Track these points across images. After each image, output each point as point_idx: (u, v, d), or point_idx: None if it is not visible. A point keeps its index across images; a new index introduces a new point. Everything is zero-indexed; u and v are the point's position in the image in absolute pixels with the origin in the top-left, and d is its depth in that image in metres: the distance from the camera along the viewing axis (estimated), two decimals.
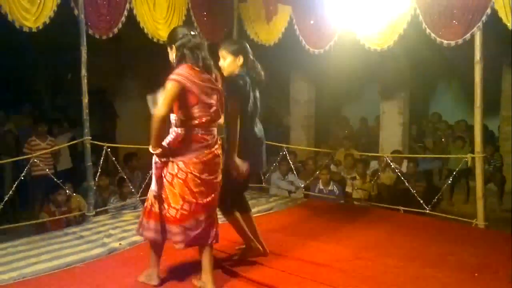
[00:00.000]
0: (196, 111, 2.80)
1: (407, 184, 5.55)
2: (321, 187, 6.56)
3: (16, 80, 8.90)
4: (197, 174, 2.82)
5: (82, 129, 4.85)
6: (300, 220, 4.77)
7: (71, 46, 4.89)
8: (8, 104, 7.99)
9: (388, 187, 6.99)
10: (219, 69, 3.21)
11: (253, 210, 5.04)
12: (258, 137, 3.41)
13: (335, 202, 6.15)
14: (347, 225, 4.58)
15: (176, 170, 2.82)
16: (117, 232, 4.24)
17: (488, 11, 4.35)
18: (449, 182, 5.77)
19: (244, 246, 3.57)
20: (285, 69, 9.22)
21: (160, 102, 2.73)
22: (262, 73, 3.43)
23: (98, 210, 5.06)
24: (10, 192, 4.63)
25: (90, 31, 4.73)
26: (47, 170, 5.72)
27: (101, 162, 5.07)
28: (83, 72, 4.71)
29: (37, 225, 5.26)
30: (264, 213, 5.07)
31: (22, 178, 4.73)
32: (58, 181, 5.27)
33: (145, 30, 5.16)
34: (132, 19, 5.02)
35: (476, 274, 3.32)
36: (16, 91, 8.63)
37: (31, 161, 5.12)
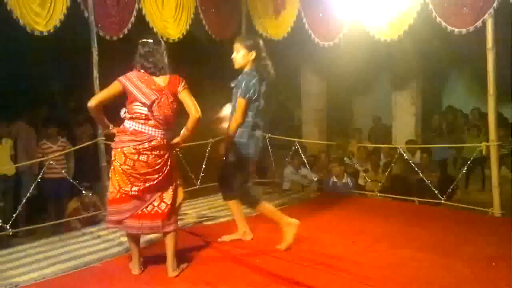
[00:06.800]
0: (134, 107, 3.12)
1: (421, 174, 5.51)
2: (335, 180, 6.55)
3: (31, 84, 8.99)
4: (118, 164, 3.11)
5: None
6: (314, 214, 4.76)
7: (85, 48, 4.94)
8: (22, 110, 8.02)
9: (402, 178, 6.94)
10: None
11: None
12: (260, 129, 3.70)
13: (349, 195, 6.13)
14: (362, 217, 4.57)
15: (111, 157, 3.20)
16: None
17: None
18: (464, 171, 5.71)
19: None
20: (294, 63, 9.19)
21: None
22: (272, 71, 3.70)
23: None
24: (28, 195, 4.71)
25: (101, 33, 4.78)
26: (63, 172, 5.79)
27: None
28: (95, 73, 4.76)
29: (55, 226, 5.35)
30: (278, 208, 5.06)
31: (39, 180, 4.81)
32: (74, 182, 5.34)
33: (155, 30, 5.19)
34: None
35: (493, 264, 3.29)
36: (33, 95, 8.69)
37: (46, 164, 5.19)
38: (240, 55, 3.62)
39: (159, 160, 3.14)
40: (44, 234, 4.82)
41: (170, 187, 3.23)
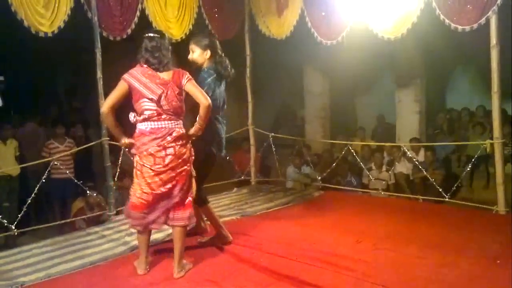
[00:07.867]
0: (141, 105, 3.12)
1: (425, 172, 5.50)
2: (339, 178, 6.54)
3: (35, 86, 9.05)
4: (149, 166, 3.12)
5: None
6: (318, 213, 4.77)
7: (88, 48, 4.95)
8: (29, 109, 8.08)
9: (406, 176, 6.94)
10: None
11: (271, 204, 5.10)
12: (222, 125, 3.69)
13: (353, 194, 6.13)
14: (366, 216, 4.57)
15: (135, 163, 3.21)
16: None
17: None
18: (468, 169, 5.69)
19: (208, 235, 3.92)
20: (297, 62, 9.18)
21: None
22: (230, 68, 3.70)
23: (118, 209, 5.13)
24: (33, 195, 4.72)
25: (104, 33, 4.79)
26: (67, 172, 5.81)
27: (120, 162, 5.14)
28: (99, 74, 4.77)
29: (60, 226, 5.38)
30: (282, 206, 5.10)
31: (44, 181, 4.81)
32: (78, 182, 5.36)
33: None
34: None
35: (498, 261, 3.29)
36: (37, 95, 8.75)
37: (51, 164, 5.20)
38: (196, 55, 3.65)
39: (184, 150, 3.19)
40: (49, 234, 4.84)
41: (192, 178, 3.31)
